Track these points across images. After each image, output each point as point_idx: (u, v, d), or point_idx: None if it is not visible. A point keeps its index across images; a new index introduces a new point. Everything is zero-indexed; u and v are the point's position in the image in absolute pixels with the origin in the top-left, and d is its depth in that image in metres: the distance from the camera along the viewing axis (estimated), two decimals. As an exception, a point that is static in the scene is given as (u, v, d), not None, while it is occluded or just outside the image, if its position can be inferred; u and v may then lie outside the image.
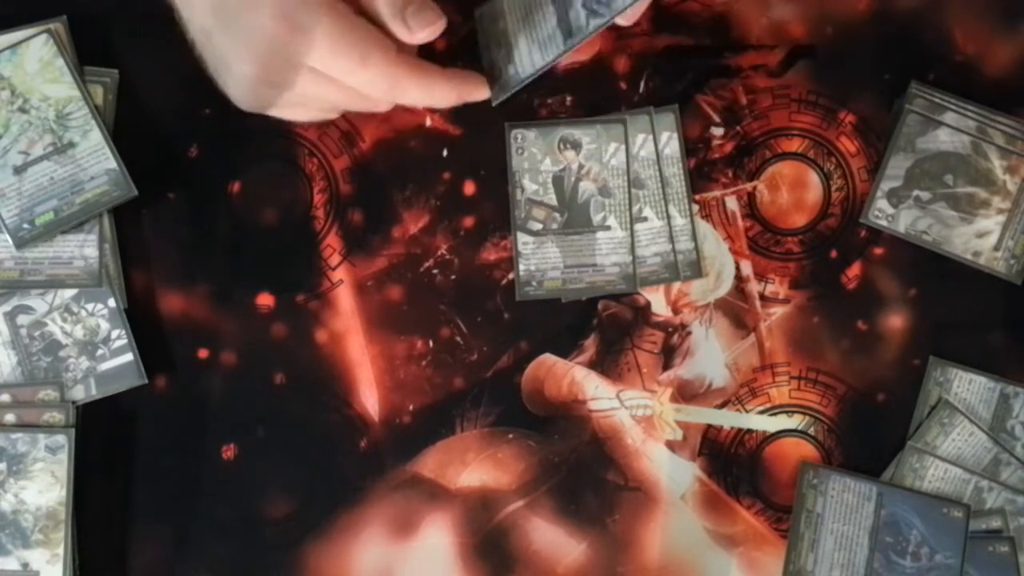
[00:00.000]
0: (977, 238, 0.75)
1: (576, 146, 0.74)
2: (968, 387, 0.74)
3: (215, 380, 0.75)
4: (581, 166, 0.74)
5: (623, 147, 0.74)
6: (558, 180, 0.74)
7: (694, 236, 0.74)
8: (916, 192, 0.75)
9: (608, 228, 0.74)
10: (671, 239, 0.74)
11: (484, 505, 0.74)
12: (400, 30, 0.66)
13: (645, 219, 0.74)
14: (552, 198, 0.74)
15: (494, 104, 0.70)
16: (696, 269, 0.74)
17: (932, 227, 0.75)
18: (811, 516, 0.74)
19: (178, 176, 0.75)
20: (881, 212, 0.75)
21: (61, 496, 0.71)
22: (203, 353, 0.75)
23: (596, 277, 0.74)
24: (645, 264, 0.74)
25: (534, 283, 0.73)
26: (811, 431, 0.75)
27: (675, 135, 0.75)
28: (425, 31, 0.66)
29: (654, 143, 0.75)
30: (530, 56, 0.69)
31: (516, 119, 0.75)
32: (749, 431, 0.75)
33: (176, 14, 0.68)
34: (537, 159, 0.74)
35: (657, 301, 0.75)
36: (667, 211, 0.74)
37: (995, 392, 0.74)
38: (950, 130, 0.75)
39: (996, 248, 0.75)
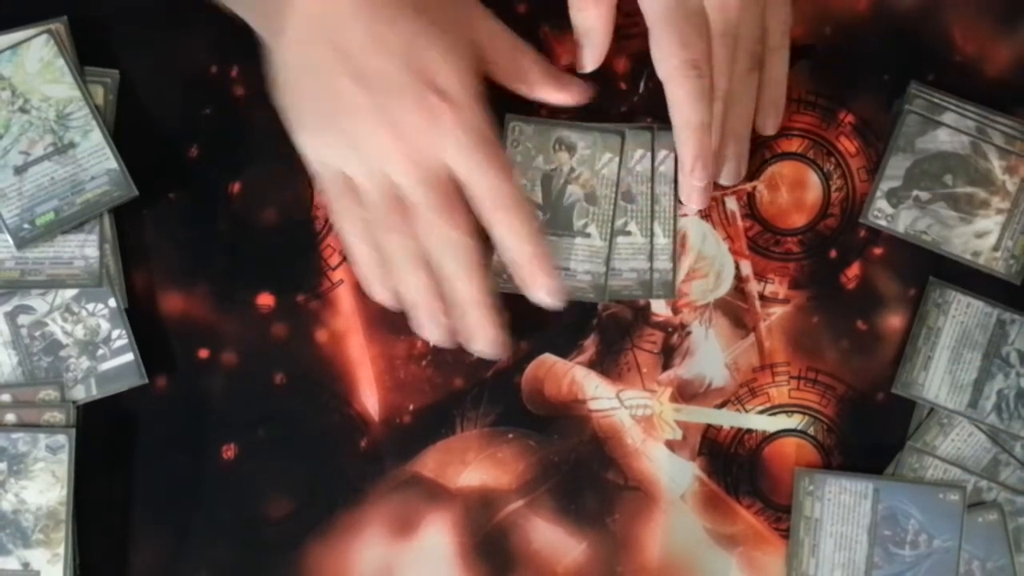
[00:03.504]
0: (976, 238, 0.75)
1: (571, 149, 0.74)
2: (966, 311, 0.74)
3: (215, 380, 0.75)
4: (572, 169, 0.74)
5: (617, 159, 0.74)
6: (547, 179, 0.74)
7: (673, 257, 0.74)
8: (915, 192, 0.75)
9: (588, 235, 0.74)
10: (650, 257, 0.74)
11: (484, 505, 0.75)
12: None
13: (629, 233, 0.74)
14: (538, 195, 0.74)
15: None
16: (670, 290, 0.74)
17: (931, 227, 0.75)
18: (809, 522, 0.74)
19: (178, 176, 0.75)
20: (881, 212, 0.75)
21: (61, 496, 0.71)
22: (203, 353, 0.75)
23: (567, 281, 0.74)
24: (620, 277, 0.74)
25: (505, 275, 0.73)
26: (811, 431, 0.75)
27: (672, 155, 0.74)
28: None
29: (651, 160, 0.75)
30: None
31: (515, 112, 0.75)
32: (749, 431, 0.75)
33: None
34: (531, 155, 0.74)
35: (657, 301, 0.75)
36: (651, 228, 0.74)
37: (992, 317, 0.74)
38: (949, 130, 0.75)
39: (995, 248, 0.75)
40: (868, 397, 0.75)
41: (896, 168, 0.75)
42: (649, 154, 0.75)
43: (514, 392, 0.75)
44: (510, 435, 0.75)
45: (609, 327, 0.75)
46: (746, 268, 0.76)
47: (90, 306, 0.73)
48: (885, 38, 0.76)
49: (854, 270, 0.76)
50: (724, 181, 0.73)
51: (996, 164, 0.75)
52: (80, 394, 0.73)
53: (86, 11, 0.74)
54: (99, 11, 0.75)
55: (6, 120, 0.72)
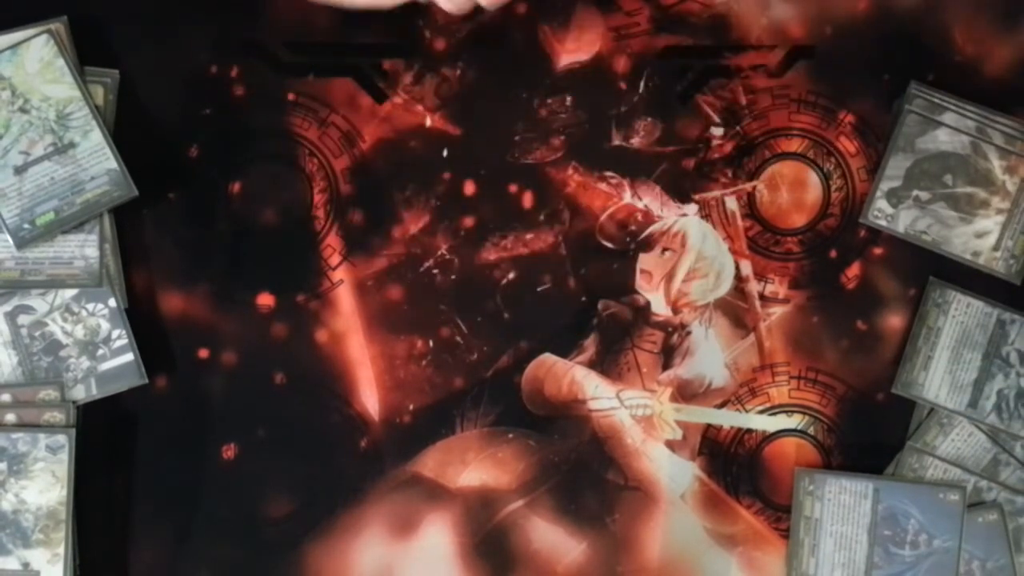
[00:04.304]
0: (976, 238, 0.75)
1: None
2: (966, 311, 0.74)
3: (215, 380, 0.75)
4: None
5: None
6: None
7: None
8: (915, 192, 0.75)
9: None
10: None
11: (484, 505, 0.75)
12: None
13: None
14: None
15: None
16: None
17: (932, 227, 0.75)
18: (809, 522, 0.74)
19: (178, 176, 0.75)
20: (881, 212, 0.75)
21: (61, 496, 0.71)
22: (203, 353, 0.75)
23: None
24: None
25: None
26: (811, 431, 0.75)
27: None
28: None
29: None
30: None
31: (515, 118, 0.75)
32: (749, 431, 0.75)
33: None
34: None
35: (657, 301, 0.75)
36: None
37: (992, 317, 0.74)
38: (949, 130, 0.75)
39: (995, 248, 0.75)
40: (868, 397, 0.75)
41: (896, 168, 0.75)
42: None
43: (514, 392, 0.75)
44: (510, 435, 0.75)
45: (609, 327, 0.76)
46: (746, 268, 0.76)
47: (90, 306, 0.73)
48: (885, 38, 0.76)
49: (854, 270, 0.76)
50: None
51: (996, 164, 0.75)
52: (80, 394, 0.73)
53: (86, 11, 0.74)
54: (99, 11, 0.75)
55: (6, 120, 0.72)
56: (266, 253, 0.75)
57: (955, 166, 0.75)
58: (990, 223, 0.75)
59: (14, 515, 0.71)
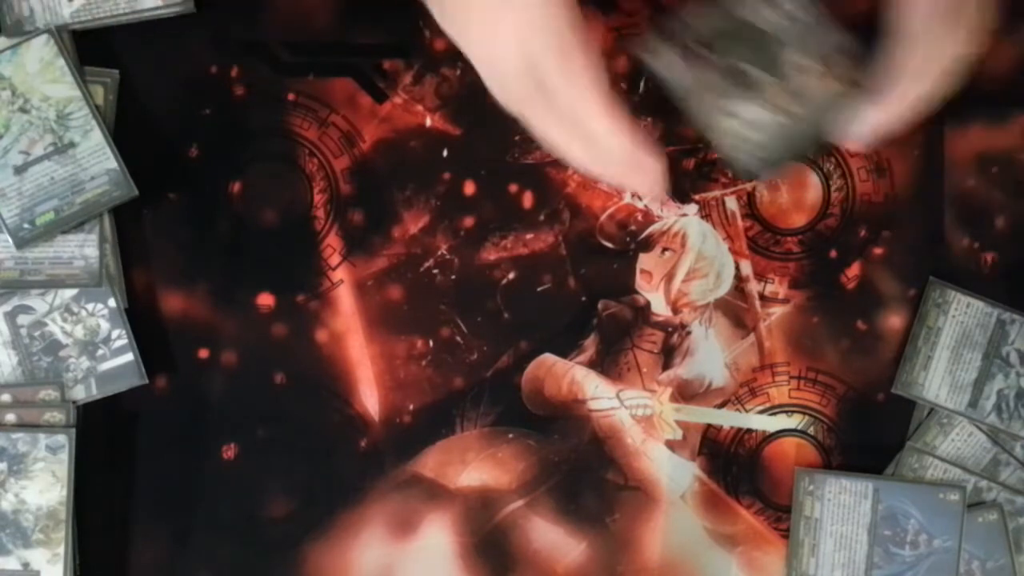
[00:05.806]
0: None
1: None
2: (966, 311, 0.74)
3: (215, 380, 0.75)
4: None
5: None
6: None
7: None
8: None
9: None
10: None
11: (484, 504, 0.75)
12: None
13: None
14: None
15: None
16: None
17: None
18: (809, 522, 0.74)
19: (178, 176, 0.75)
20: None
21: (62, 496, 0.71)
22: (203, 353, 0.75)
23: None
24: None
25: None
26: (811, 431, 0.75)
27: None
28: None
29: None
30: None
31: (515, 118, 0.75)
32: (749, 431, 0.75)
33: None
34: None
35: (657, 301, 0.75)
36: None
37: (992, 317, 0.74)
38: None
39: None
40: (868, 397, 0.75)
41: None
42: None
43: (514, 392, 0.75)
44: (510, 435, 0.75)
45: (609, 327, 0.76)
46: (746, 268, 0.76)
47: (90, 306, 0.73)
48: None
49: (854, 270, 0.76)
50: None
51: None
52: (80, 394, 0.73)
53: (86, 11, 0.74)
54: (99, 11, 0.75)
55: (6, 120, 0.72)
56: (266, 253, 0.75)
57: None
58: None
59: (14, 515, 0.71)
